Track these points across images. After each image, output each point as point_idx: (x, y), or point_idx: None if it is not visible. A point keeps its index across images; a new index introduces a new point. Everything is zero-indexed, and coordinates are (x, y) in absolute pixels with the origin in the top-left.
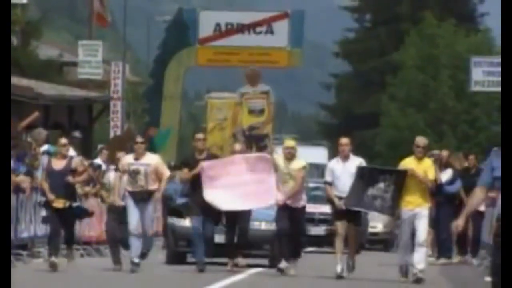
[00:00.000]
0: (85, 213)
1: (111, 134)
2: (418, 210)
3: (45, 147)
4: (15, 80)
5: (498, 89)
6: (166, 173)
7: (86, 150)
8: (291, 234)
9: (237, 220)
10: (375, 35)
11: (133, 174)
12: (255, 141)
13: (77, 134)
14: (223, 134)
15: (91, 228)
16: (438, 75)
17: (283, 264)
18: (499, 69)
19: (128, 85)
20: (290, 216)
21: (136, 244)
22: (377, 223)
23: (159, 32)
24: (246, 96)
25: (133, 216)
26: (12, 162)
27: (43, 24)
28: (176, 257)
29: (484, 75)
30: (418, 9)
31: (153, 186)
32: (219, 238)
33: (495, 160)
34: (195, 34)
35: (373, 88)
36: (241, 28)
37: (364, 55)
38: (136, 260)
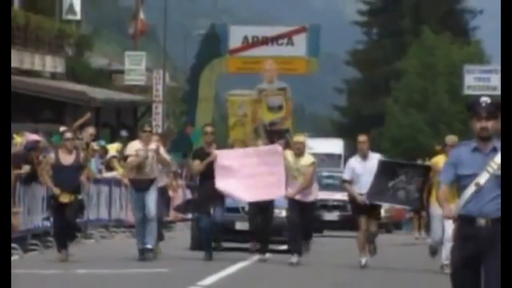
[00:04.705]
0: (83, 208)
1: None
2: None
3: (96, 142)
4: (70, 86)
5: (488, 92)
6: (167, 157)
7: None
8: (301, 224)
9: (261, 208)
10: (381, 46)
11: (141, 161)
12: (276, 136)
13: (124, 133)
14: (244, 130)
15: None
16: (436, 80)
17: (294, 258)
18: (488, 75)
19: (168, 90)
20: (300, 209)
21: (142, 233)
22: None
23: (195, 44)
24: (264, 92)
25: (137, 206)
26: None
27: (94, 38)
28: (199, 243)
29: (475, 80)
30: (419, 24)
31: (155, 175)
32: (241, 226)
33: (464, 156)
34: (225, 46)
35: (379, 92)
36: (266, 40)
37: (371, 64)
38: (150, 246)
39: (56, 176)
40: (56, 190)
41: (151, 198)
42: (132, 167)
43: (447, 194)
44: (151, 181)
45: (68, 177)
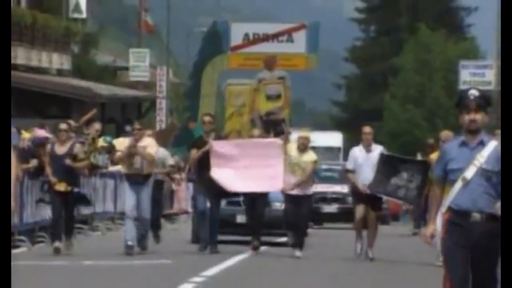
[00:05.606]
0: (84, 200)
1: (157, 128)
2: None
3: (102, 138)
4: (76, 82)
5: (482, 87)
6: (152, 153)
7: None
8: (297, 217)
9: (255, 202)
10: (379, 43)
11: (130, 157)
12: (272, 126)
13: (128, 128)
14: (241, 120)
15: None
16: (432, 76)
17: (298, 252)
18: (483, 71)
19: (171, 86)
20: (296, 202)
21: (131, 227)
22: None
23: (197, 41)
24: (264, 81)
25: (129, 199)
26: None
27: (99, 35)
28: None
29: (471, 76)
30: (415, 21)
31: (148, 170)
32: (241, 219)
33: (453, 150)
34: (227, 43)
35: (377, 87)
36: (266, 37)
37: (369, 60)
38: (130, 243)
39: (51, 165)
40: (53, 179)
41: (145, 197)
42: (119, 160)
43: (438, 196)
44: (144, 177)
45: (61, 166)
